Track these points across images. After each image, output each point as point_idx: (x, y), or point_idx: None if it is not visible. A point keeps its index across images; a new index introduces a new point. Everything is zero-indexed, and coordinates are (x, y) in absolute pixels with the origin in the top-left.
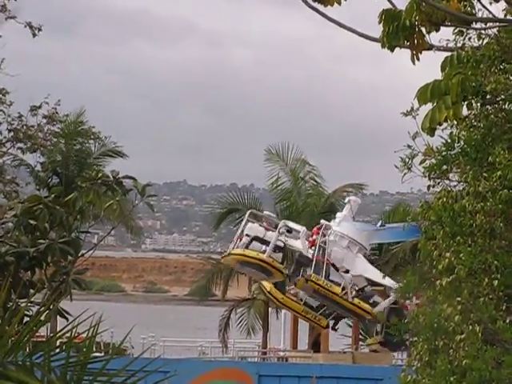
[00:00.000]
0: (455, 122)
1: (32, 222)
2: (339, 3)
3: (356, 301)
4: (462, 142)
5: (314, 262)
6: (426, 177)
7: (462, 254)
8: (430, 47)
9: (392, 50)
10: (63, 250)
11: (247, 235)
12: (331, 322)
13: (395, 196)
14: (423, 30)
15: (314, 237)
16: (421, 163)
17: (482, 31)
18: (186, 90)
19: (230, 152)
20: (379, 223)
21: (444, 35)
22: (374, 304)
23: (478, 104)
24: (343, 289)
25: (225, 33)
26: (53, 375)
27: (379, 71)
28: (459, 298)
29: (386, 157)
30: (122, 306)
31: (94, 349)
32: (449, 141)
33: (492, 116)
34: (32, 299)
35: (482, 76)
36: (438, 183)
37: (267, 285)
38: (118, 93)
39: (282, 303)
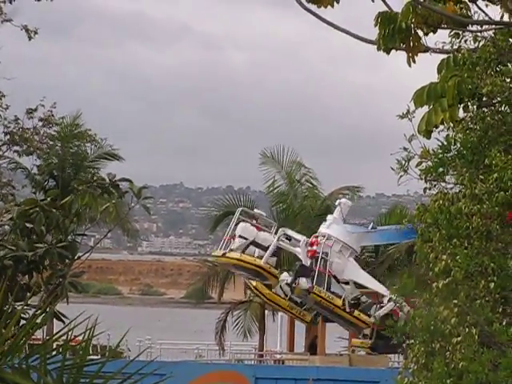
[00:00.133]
0: (451, 125)
1: (28, 225)
2: (332, 5)
3: (356, 313)
4: (459, 145)
5: (316, 274)
6: (422, 179)
7: (458, 257)
8: (426, 49)
9: (388, 53)
10: (61, 255)
11: (241, 236)
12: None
13: (391, 198)
14: (419, 32)
15: (314, 247)
16: (417, 165)
17: (478, 33)
18: (182, 92)
19: (226, 154)
20: (370, 225)
21: (440, 37)
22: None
23: (475, 106)
24: (344, 301)
25: (220, 35)
26: (49, 378)
27: (376, 73)
28: (456, 301)
29: (383, 159)
30: (118, 309)
31: (91, 351)
32: (445, 143)
33: (488, 118)
34: (28, 302)
35: (478, 78)
36: (435, 185)
37: (253, 281)
38: (115, 95)
39: (268, 299)
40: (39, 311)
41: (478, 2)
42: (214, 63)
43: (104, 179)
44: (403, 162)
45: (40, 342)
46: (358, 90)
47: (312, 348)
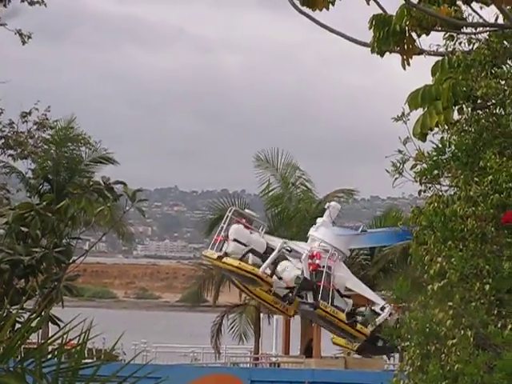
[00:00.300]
0: (446, 127)
1: (24, 229)
2: (327, 8)
3: (359, 326)
4: (453, 147)
5: (321, 289)
6: (417, 182)
7: (453, 259)
8: (421, 52)
9: (382, 55)
10: (58, 259)
11: (236, 240)
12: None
13: (386, 201)
14: (413, 34)
15: (317, 261)
16: (412, 168)
17: (473, 36)
18: (176, 95)
19: (221, 158)
20: (360, 228)
21: (435, 40)
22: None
23: (469, 109)
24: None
25: (214, 38)
26: (44, 381)
27: (371, 76)
28: (451, 303)
29: (378, 162)
30: (113, 313)
31: (86, 355)
32: (440, 146)
33: (483, 121)
34: (24, 306)
35: (472, 81)
36: (429, 188)
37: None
38: (109, 99)
39: (253, 294)
40: (34, 315)
41: (472, 4)
42: (208, 66)
43: (100, 184)
44: (398, 165)
45: (35, 346)
46: (353, 93)
47: (307, 351)
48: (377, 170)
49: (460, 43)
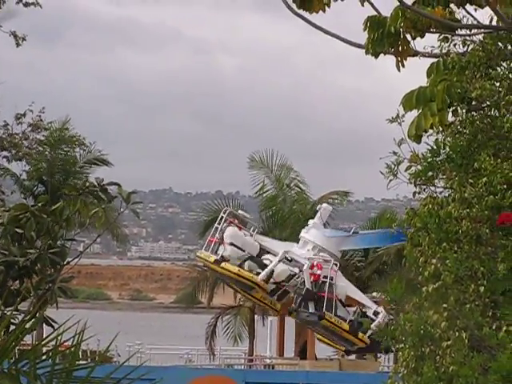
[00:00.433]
0: (441, 129)
1: (18, 230)
2: (324, 10)
3: (360, 335)
4: (448, 149)
5: (325, 299)
6: (411, 183)
7: (448, 261)
8: (415, 54)
9: (376, 57)
10: (53, 261)
11: (232, 244)
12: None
13: (381, 203)
14: (408, 36)
15: (318, 272)
16: (406, 170)
17: (467, 38)
18: (172, 97)
19: (215, 159)
20: (352, 229)
21: (429, 42)
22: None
23: (464, 110)
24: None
25: (211, 40)
26: (38, 383)
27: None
28: (445, 305)
29: (372, 163)
30: (107, 314)
31: (80, 356)
32: (434, 147)
33: (477, 122)
34: (18, 307)
35: (467, 82)
36: (424, 190)
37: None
38: (105, 100)
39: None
40: (29, 316)
41: (466, 6)
42: (205, 68)
43: (94, 186)
44: (393, 166)
45: (29, 347)
46: (348, 94)
47: (302, 353)
48: (371, 172)
49: (455, 45)
